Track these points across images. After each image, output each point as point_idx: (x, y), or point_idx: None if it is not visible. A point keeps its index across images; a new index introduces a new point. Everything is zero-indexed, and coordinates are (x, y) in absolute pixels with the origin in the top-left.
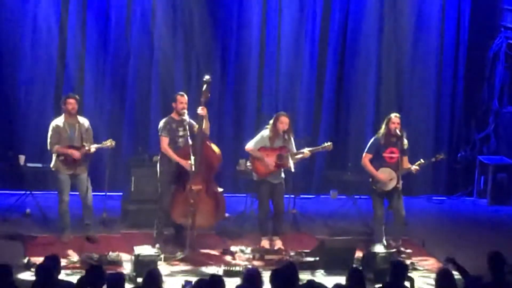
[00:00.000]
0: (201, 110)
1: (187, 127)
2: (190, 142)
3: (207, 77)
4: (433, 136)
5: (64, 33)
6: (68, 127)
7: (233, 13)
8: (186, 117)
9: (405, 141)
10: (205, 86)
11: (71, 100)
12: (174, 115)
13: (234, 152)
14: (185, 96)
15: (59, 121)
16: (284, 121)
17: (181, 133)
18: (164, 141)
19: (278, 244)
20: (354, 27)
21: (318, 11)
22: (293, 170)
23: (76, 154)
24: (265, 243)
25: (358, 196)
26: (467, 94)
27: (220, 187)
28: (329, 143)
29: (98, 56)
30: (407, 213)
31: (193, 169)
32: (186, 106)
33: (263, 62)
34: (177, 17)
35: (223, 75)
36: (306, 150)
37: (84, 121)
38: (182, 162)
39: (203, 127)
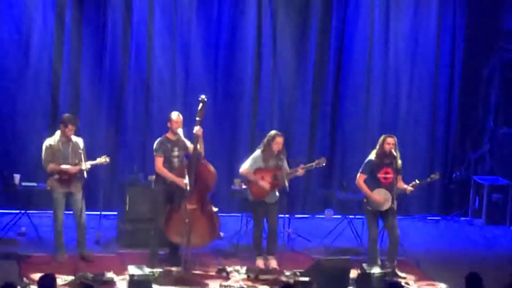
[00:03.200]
0: (197, 130)
1: (182, 146)
2: (185, 161)
3: (202, 96)
4: (428, 156)
5: (59, 52)
6: (62, 145)
7: (228, 32)
8: (181, 136)
9: (399, 161)
10: (200, 106)
11: (72, 127)
12: (169, 134)
13: (229, 172)
14: (180, 115)
15: (52, 140)
16: (279, 141)
17: (176, 153)
18: (159, 161)
19: (273, 263)
20: (350, 48)
21: (314, 31)
22: (287, 189)
23: (71, 169)
24: (259, 263)
25: (353, 216)
26: (462, 114)
27: (215, 206)
28: (322, 159)
29: (94, 75)
30: (402, 233)
31: (188, 188)
32: (181, 125)
33: (258, 81)
34: (173, 36)
35: (218, 94)
36: (300, 168)
37: (78, 140)
38: (178, 180)
39: (199, 147)
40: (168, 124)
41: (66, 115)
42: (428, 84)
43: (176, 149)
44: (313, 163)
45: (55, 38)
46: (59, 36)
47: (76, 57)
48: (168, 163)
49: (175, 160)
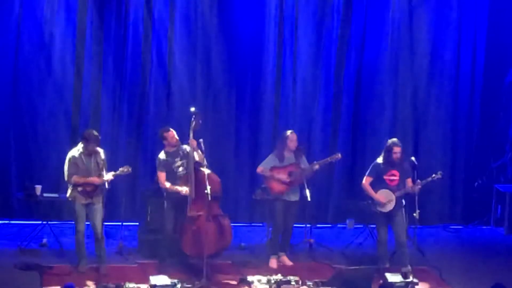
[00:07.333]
0: (190, 143)
1: (183, 154)
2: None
3: (192, 108)
4: (449, 164)
5: (80, 64)
6: (85, 157)
7: (249, 39)
8: (180, 146)
9: (413, 160)
10: (192, 118)
11: (94, 144)
12: (167, 148)
13: (251, 182)
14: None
15: (75, 152)
16: (293, 138)
17: (179, 163)
18: (162, 177)
19: (286, 260)
20: (370, 53)
21: (334, 38)
22: (309, 199)
23: (96, 180)
24: (273, 263)
25: (374, 225)
26: (484, 123)
27: (223, 211)
28: (337, 153)
29: (115, 87)
30: (424, 242)
31: (191, 195)
32: (177, 137)
33: (279, 90)
34: (193, 46)
35: (239, 104)
36: (314, 165)
37: (100, 151)
38: (180, 190)
39: (197, 158)
40: (165, 142)
41: (87, 131)
42: (449, 93)
43: (177, 159)
44: (328, 158)
45: (76, 49)
46: (80, 47)
47: (97, 68)
48: (172, 174)
49: (180, 169)
